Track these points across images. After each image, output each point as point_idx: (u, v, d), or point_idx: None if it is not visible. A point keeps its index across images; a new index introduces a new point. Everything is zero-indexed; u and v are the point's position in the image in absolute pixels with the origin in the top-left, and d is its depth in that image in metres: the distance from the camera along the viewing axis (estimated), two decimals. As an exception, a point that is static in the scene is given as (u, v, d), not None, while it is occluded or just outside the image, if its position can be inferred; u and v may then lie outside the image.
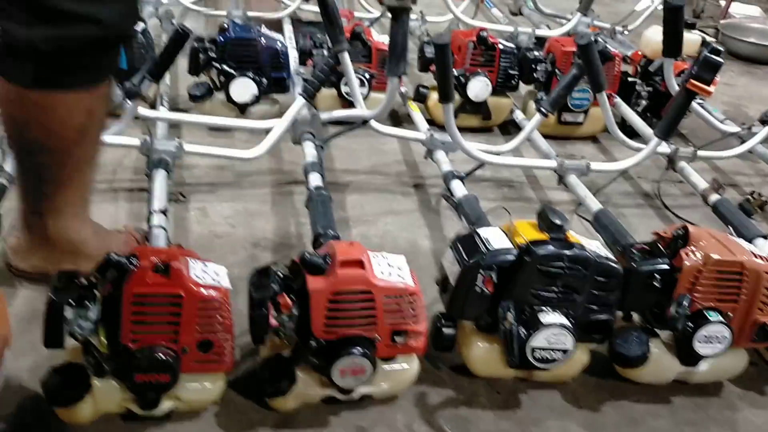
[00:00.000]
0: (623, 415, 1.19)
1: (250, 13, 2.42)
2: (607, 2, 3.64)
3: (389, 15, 1.51)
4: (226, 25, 1.94)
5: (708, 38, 2.24)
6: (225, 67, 1.87)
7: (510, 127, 2.18)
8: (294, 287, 1.04)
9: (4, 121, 1.14)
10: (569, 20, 2.74)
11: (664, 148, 1.81)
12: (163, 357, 0.96)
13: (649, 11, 2.72)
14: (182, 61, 1.88)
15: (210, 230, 1.53)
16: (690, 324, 1.14)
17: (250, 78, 1.87)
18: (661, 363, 1.19)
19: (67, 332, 0.96)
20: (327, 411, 1.11)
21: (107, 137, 1.53)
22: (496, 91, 2.08)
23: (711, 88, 1.56)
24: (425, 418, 1.13)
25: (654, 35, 2.13)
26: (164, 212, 1.35)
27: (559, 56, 2.05)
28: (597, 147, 2.18)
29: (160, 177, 1.47)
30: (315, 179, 1.51)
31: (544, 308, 1.10)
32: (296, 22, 2.47)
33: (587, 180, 1.74)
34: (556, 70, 2.06)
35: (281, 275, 1.06)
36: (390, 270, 1.06)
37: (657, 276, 1.15)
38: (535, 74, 2.10)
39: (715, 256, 1.13)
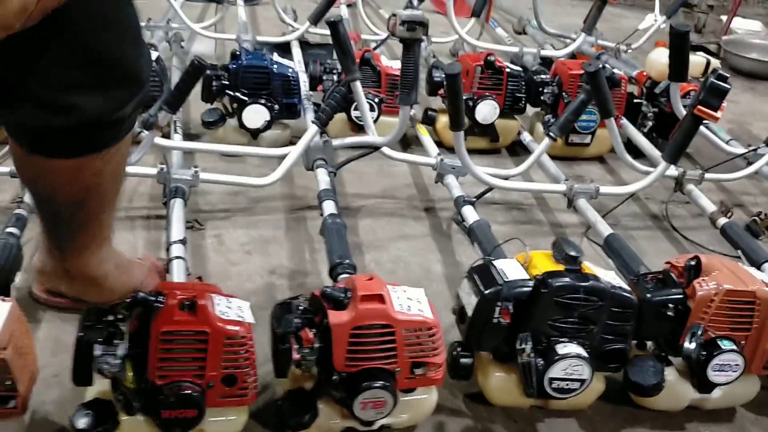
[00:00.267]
0: (638, 442, 1.21)
1: (260, 38, 2.45)
2: (608, 18, 3.67)
3: (396, 37, 1.54)
4: (237, 52, 1.97)
5: (712, 59, 2.26)
6: (237, 94, 1.90)
7: (517, 149, 2.21)
8: (315, 321, 1.06)
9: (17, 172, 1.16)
10: (573, 39, 2.76)
11: (672, 171, 1.83)
12: (190, 393, 0.98)
13: (652, 30, 2.74)
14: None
15: (226, 258, 1.55)
16: (703, 353, 1.16)
17: (262, 104, 1.90)
18: (675, 390, 1.21)
19: (95, 369, 0.98)
20: (347, 442, 1.13)
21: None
22: (504, 113, 2.11)
23: (718, 114, 1.59)
24: (444, 447, 1.15)
25: (659, 57, 2.16)
26: (183, 242, 1.38)
27: (566, 79, 2.08)
28: (604, 167, 2.20)
29: (177, 206, 1.49)
30: (329, 207, 1.53)
31: (561, 339, 1.12)
32: (304, 44, 2.50)
33: (596, 201, 1.77)
34: (563, 93, 2.08)
35: (302, 309, 1.08)
36: (409, 303, 1.08)
37: (671, 306, 1.17)
38: (542, 97, 2.13)
39: (728, 286, 1.15)
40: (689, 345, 1.15)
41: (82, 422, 0.97)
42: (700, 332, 1.16)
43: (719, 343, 1.17)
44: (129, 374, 0.99)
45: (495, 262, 1.18)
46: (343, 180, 1.91)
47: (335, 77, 2.03)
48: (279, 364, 1.05)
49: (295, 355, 1.04)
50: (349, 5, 3.07)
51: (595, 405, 1.23)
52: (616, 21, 3.63)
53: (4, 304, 0.98)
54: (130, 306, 0.99)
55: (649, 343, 1.26)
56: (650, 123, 2.19)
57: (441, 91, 2.09)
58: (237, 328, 1.01)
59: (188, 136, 1.98)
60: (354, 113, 1.98)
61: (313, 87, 2.08)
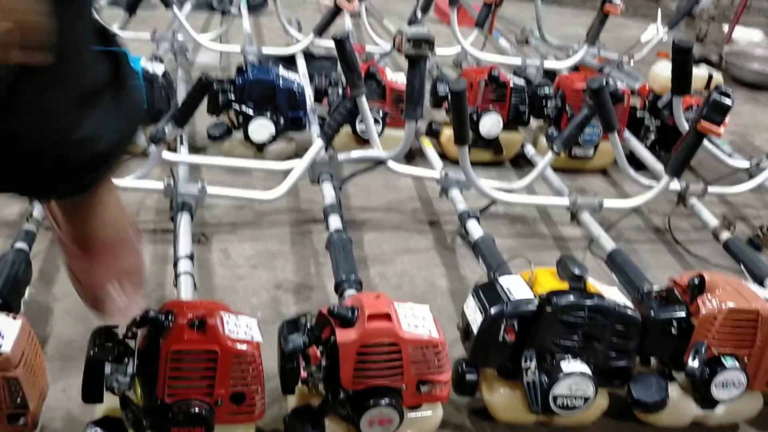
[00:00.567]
0: (642, 458, 1.22)
1: (265, 50, 2.47)
2: (610, 28, 3.68)
3: (402, 53, 1.55)
4: (243, 66, 1.99)
5: (714, 73, 2.27)
6: (243, 107, 1.91)
7: (521, 161, 2.22)
8: (323, 339, 1.07)
9: None
10: (576, 50, 2.78)
11: (675, 185, 1.84)
12: (199, 411, 0.99)
13: (654, 42, 2.76)
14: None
15: (233, 272, 1.56)
16: (707, 370, 1.17)
17: (268, 118, 1.91)
18: (679, 407, 1.22)
19: (107, 386, 0.99)
20: (354, 458, 1.13)
21: (132, 181, 1.58)
22: (508, 126, 2.12)
23: (721, 129, 1.60)
24: (449, 463, 1.16)
25: (662, 71, 2.18)
26: (190, 257, 1.39)
27: (569, 93, 2.10)
28: (607, 180, 2.21)
29: (184, 221, 1.50)
30: (335, 222, 1.54)
31: (565, 357, 1.13)
32: (308, 56, 2.52)
33: (598, 214, 1.78)
34: (566, 106, 2.10)
35: (309, 327, 1.09)
36: (415, 321, 1.09)
37: (674, 323, 1.18)
38: (545, 110, 2.14)
39: (731, 305, 1.16)
40: (693, 362, 1.16)
41: (92, 440, 0.98)
42: (703, 350, 1.16)
43: (723, 360, 1.18)
44: (138, 392, 1.00)
45: (500, 280, 1.19)
46: (348, 193, 1.92)
47: (340, 90, 2.04)
48: (286, 381, 1.06)
49: (303, 373, 1.06)
50: (352, 16, 3.09)
51: (599, 421, 1.24)
52: (618, 31, 3.64)
53: (15, 321, 0.99)
54: (139, 323, 1.00)
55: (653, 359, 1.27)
56: (653, 136, 2.20)
57: (445, 104, 2.11)
58: (245, 347, 1.02)
59: (194, 149, 2.00)
60: (359, 126, 2.00)
61: (317, 99, 2.09)
